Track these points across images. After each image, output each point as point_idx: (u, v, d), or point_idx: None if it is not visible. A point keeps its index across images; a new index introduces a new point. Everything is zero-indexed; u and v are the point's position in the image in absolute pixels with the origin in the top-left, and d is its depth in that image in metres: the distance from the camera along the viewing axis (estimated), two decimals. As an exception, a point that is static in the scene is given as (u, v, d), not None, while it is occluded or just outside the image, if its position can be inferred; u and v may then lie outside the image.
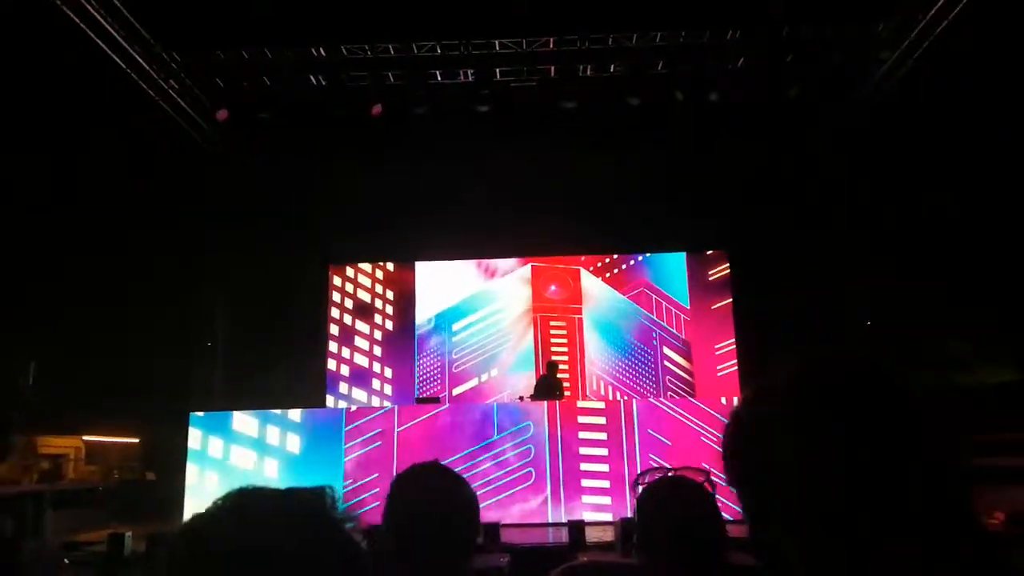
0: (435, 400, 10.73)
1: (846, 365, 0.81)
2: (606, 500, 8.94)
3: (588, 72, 11.13)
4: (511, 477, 9.11)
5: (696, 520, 1.77)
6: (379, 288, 13.07)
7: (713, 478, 1.78)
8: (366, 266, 13.11)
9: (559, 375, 10.94)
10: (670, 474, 1.88)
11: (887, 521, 0.71)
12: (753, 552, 0.84)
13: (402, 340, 12.79)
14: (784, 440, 0.76)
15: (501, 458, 9.17)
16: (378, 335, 12.84)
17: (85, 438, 11.62)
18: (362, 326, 12.87)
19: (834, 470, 0.72)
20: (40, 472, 10.06)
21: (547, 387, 10.38)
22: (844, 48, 10.52)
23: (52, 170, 10.01)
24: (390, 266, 13.16)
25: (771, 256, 11.71)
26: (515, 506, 9.01)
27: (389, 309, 12.96)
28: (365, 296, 13.00)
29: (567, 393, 11.26)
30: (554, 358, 11.62)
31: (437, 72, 11.10)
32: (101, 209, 10.56)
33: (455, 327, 12.79)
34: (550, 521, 8.90)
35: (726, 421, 0.87)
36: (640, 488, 1.83)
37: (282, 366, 11.35)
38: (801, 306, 11.02)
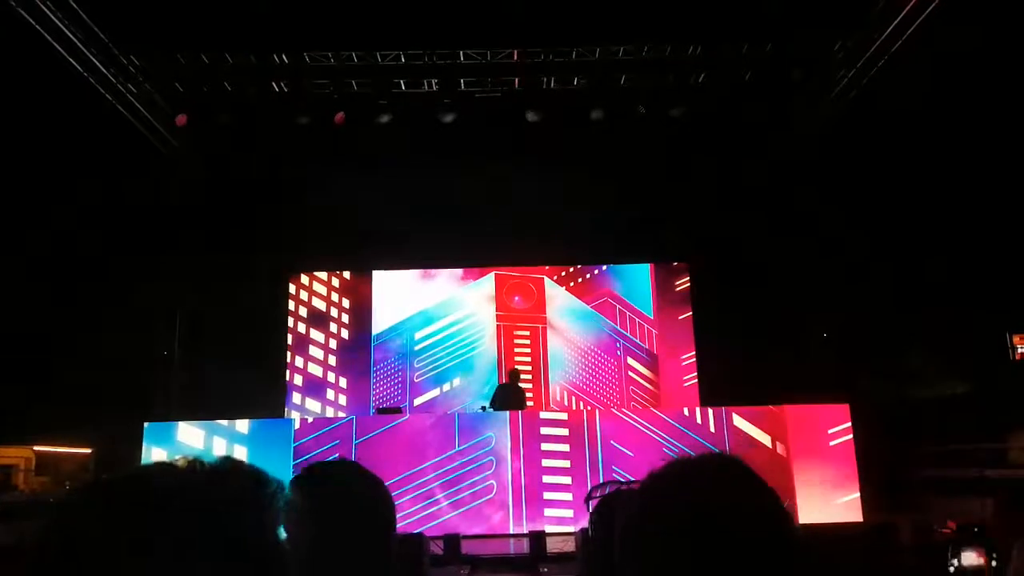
0: (397, 411, 10.58)
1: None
2: (568, 512, 8.89)
3: (552, 84, 11.17)
4: (473, 489, 9.03)
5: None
6: (335, 297, 12.87)
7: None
8: (322, 274, 12.93)
9: (521, 384, 10.88)
10: (628, 487, 1.85)
11: None
12: None
13: (358, 350, 12.62)
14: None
15: (463, 470, 9.09)
16: (333, 344, 12.66)
17: (36, 448, 11.36)
18: (317, 335, 12.67)
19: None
20: (-13, 484, 9.81)
21: (509, 396, 10.29)
22: (804, 64, 10.66)
23: (2, 175, 9.76)
24: (346, 275, 13.00)
25: (731, 268, 11.79)
26: (477, 518, 8.94)
27: (345, 318, 12.79)
28: (320, 305, 12.80)
29: (530, 404, 11.21)
30: (517, 367, 11.56)
31: (401, 81, 11.05)
32: (55, 215, 10.33)
33: (416, 336, 12.67)
34: (512, 533, 8.84)
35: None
36: (592, 503, 1.80)
37: (241, 376, 11.14)
38: (760, 319, 11.12)
